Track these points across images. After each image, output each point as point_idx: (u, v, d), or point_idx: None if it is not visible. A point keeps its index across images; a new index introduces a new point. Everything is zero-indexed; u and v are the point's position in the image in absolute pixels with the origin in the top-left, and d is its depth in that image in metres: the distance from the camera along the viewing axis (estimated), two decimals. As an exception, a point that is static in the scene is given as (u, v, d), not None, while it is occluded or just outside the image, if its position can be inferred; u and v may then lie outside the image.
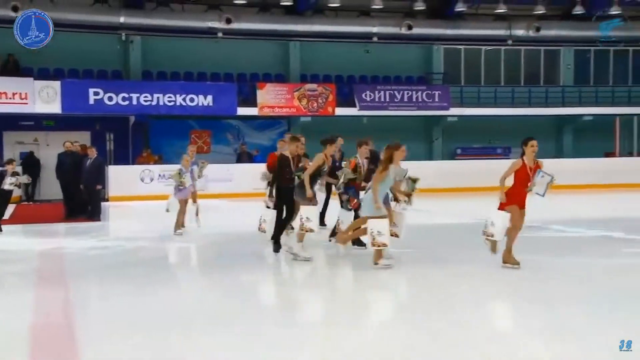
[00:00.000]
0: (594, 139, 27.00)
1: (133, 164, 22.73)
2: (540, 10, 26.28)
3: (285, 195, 9.03)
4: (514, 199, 7.83)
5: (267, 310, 6.82)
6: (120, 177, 20.45)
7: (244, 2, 24.16)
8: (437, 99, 26.02)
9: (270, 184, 10.18)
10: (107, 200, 19.06)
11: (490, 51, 28.54)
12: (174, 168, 21.52)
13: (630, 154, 26.84)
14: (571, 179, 20.68)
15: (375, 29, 26.23)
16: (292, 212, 9.12)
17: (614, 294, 6.74)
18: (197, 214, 12.19)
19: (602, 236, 11.69)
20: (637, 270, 8.33)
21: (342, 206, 9.60)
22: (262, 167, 12.45)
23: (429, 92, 26.08)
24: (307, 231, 8.84)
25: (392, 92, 25.64)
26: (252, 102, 24.13)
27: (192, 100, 23.73)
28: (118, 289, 7.44)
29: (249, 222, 12.50)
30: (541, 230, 11.77)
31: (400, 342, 5.27)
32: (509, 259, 7.86)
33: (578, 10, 26.38)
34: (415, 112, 25.89)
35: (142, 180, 20.88)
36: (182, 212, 11.39)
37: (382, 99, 25.46)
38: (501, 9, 26.14)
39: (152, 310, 6.43)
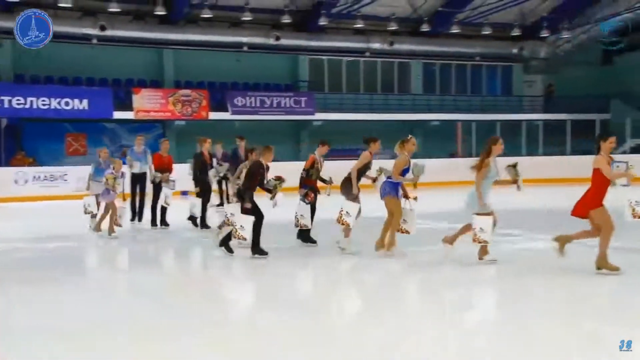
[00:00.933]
0: (440, 141, 29.42)
1: (6, 166, 21.95)
2: (393, 26, 28.44)
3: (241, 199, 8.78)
4: (600, 199, 7.13)
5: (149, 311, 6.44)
6: (-9, 179, 19.77)
7: (119, 10, 24.39)
8: (303, 105, 27.51)
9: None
10: (-23, 202, 18.37)
11: (351, 62, 30.38)
12: (48, 170, 21.21)
13: (470, 155, 29.32)
14: (422, 178, 22.27)
15: (245, 39, 27.32)
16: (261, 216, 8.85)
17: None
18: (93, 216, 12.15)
19: (431, 228, 12.28)
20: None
21: (301, 200, 9.52)
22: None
23: (296, 98, 27.57)
24: (343, 224, 8.79)
25: (262, 98, 26.87)
26: (128, 106, 24.63)
27: (67, 104, 23.98)
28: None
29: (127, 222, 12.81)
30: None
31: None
32: (606, 265, 7.13)
33: (425, 27, 28.87)
34: (283, 117, 27.25)
35: (15, 182, 20.34)
36: (114, 214, 11.15)
37: (253, 105, 26.61)
38: (359, 24, 28.07)
39: (27, 311, 6.26)
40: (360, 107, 28.98)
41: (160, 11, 24.61)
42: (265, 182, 8.69)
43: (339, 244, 8.92)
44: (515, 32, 30.33)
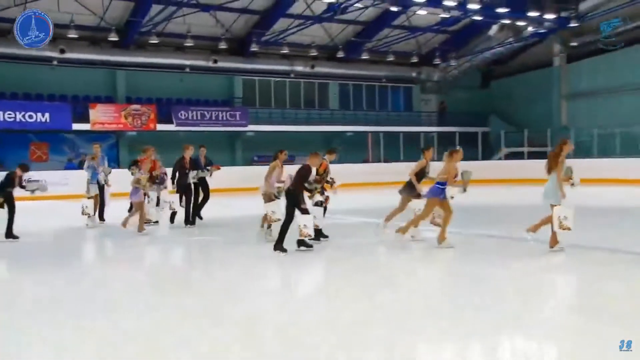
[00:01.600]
0: (354, 150, 31.77)
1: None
2: (313, 52, 31.09)
3: (293, 200, 8.82)
4: None
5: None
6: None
7: (76, 36, 26.14)
8: (237, 118, 29.90)
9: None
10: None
11: (278, 82, 32.84)
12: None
13: (379, 160, 31.87)
14: (343, 179, 24.31)
15: (187, 62, 29.60)
16: (304, 211, 8.87)
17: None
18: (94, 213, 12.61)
19: (363, 222, 12.88)
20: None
21: (315, 204, 9.67)
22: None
23: (232, 112, 29.97)
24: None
25: (202, 112, 29.14)
26: (85, 119, 26.76)
27: (30, 117, 25.67)
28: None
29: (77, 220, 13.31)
30: (327, 219, 12.72)
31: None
32: None
33: (340, 54, 31.77)
34: (221, 128, 29.54)
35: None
36: (143, 213, 11.16)
37: (195, 117, 28.89)
38: (285, 50, 30.66)
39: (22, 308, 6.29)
40: (286, 120, 31.37)
41: (113, 37, 26.48)
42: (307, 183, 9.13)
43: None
44: (414, 59, 33.57)
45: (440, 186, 8.79)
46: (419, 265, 8.50)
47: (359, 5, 26.70)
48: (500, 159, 31.38)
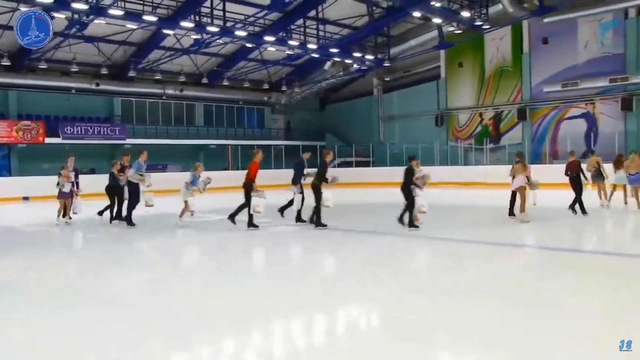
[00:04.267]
0: (216, 160, 35.94)
1: None
2: (182, 79, 35.40)
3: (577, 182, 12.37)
4: None
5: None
6: None
7: (-29, 59, 28.80)
8: (117, 132, 33.52)
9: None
10: None
11: (152, 102, 36.52)
12: None
13: (238, 169, 35.27)
14: (214, 184, 29.00)
15: (73, 85, 32.87)
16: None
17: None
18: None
19: (220, 219, 13.76)
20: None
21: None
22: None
23: (112, 127, 33.53)
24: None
25: (85, 127, 32.50)
26: (-20, 133, 29.28)
27: None
28: None
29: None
30: (196, 217, 14.25)
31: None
32: None
33: (205, 80, 36.18)
34: (102, 141, 32.95)
35: None
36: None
37: (79, 132, 32.23)
38: (158, 76, 34.65)
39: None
40: (159, 134, 35.01)
41: (5, 62, 29.23)
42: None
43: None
44: (265, 86, 38.70)
45: None
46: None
47: (220, 41, 31.24)
48: (334, 166, 37.60)
